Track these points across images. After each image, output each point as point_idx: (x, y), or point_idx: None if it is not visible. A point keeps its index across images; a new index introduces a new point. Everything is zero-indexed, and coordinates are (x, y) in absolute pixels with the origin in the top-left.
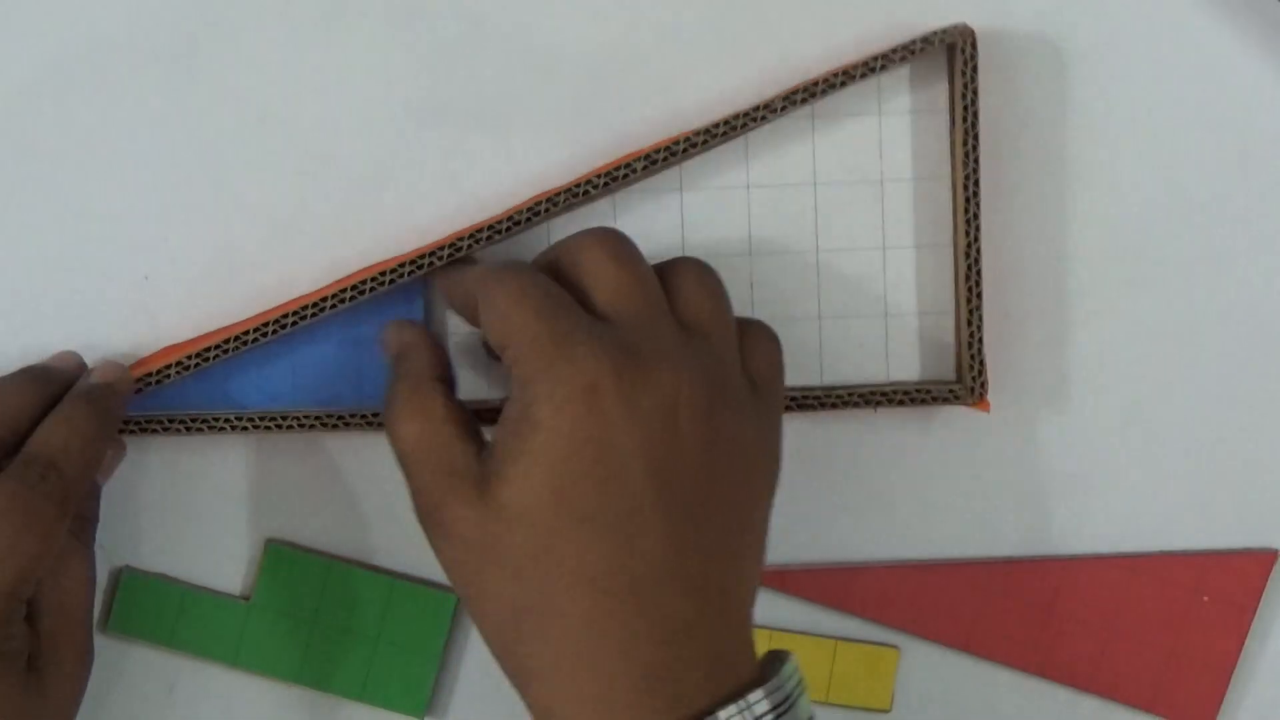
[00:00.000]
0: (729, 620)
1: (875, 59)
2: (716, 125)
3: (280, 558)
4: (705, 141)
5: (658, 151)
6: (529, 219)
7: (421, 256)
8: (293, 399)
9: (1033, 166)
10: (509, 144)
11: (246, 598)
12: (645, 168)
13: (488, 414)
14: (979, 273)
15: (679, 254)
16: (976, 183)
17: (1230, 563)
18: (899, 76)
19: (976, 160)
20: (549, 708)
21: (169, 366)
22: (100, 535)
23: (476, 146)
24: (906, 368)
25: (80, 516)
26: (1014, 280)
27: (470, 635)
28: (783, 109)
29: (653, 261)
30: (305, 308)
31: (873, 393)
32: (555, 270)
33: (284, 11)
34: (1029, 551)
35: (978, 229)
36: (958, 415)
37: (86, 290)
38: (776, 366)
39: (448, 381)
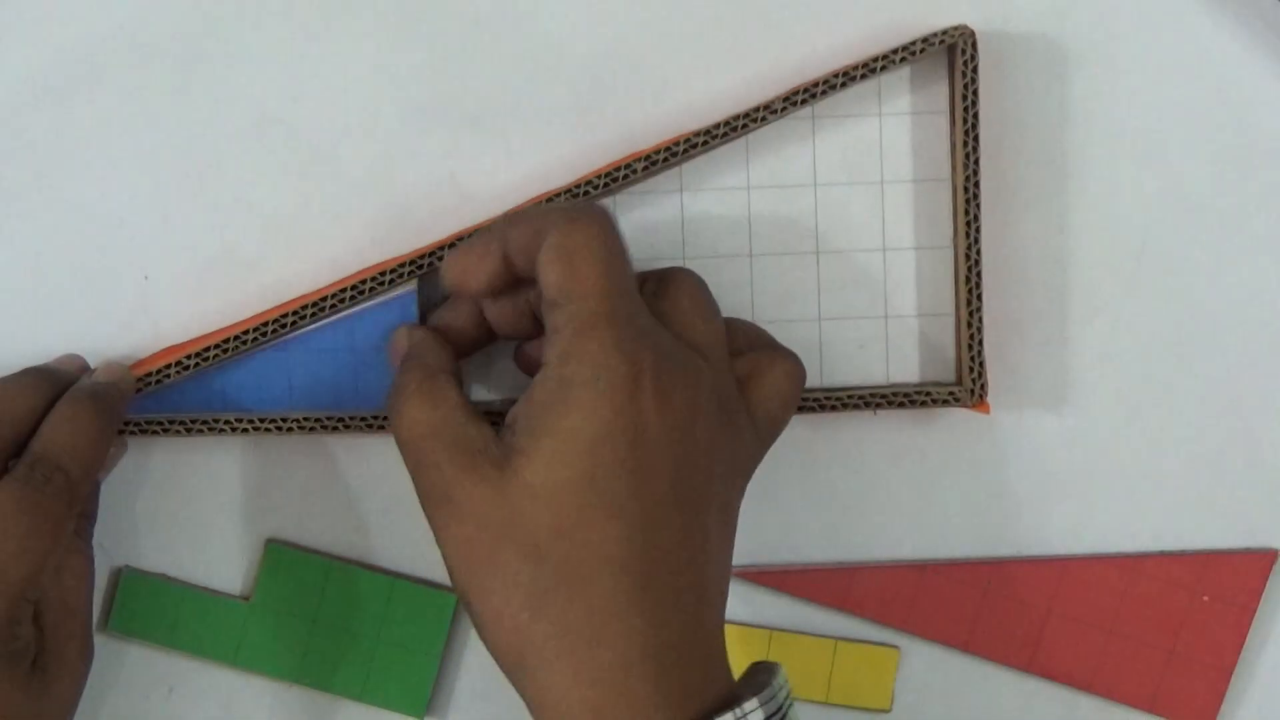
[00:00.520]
0: (717, 626)
1: (876, 60)
2: (717, 126)
3: (280, 558)
4: (706, 142)
5: (658, 152)
6: None
7: (421, 256)
8: (293, 401)
9: (1033, 168)
10: (509, 144)
11: (246, 598)
12: (646, 168)
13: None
14: (979, 274)
15: (679, 255)
16: (977, 184)
17: (1230, 563)
18: (899, 77)
19: (977, 161)
20: (554, 691)
21: (169, 367)
22: (100, 535)
23: (476, 146)
24: (906, 369)
25: (80, 513)
26: (1014, 282)
27: (470, 635)
28: (783, 110)
29: (650, 267)
30: (305, 308)
31: (873, 395)
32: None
33: (284, 11)
34: (1029, 551)
35: (978, 231)
36: (958, 416)
37: (86, 290)
38: (785, 400)
39: (459, 379)
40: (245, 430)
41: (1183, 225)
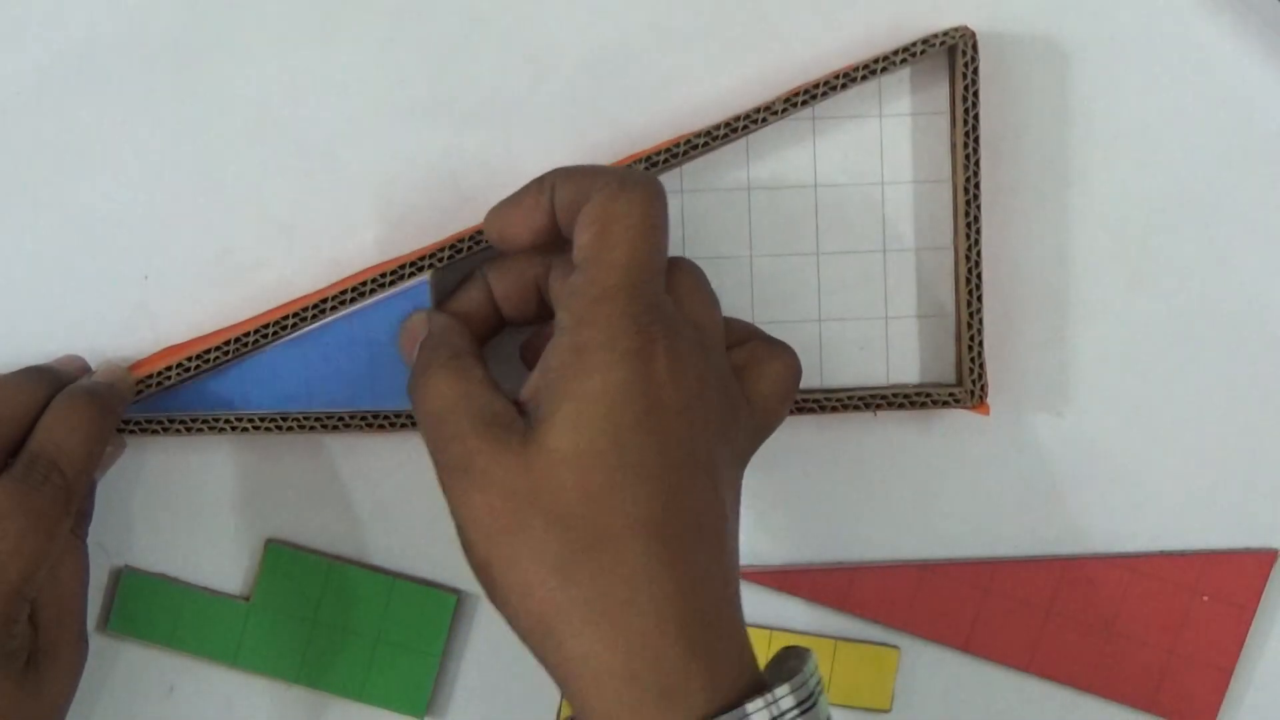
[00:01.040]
0: (738, 600)
1: (876, 61)
2: (718, 127)
3: (280, 558)
4: (706, 143)
5: (659, 153)
6: None
7: (421, 257)
8: (310, 397)
9: (1033, 169)
10: (509, 144)
11: (246, 598)
12: (647, 169)
13: None
14: (979, 276)
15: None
16: (977, 185)
17: (1230, 563)
18: (900, 79)
19: (977, 163)
20: (585, 660)
21: (169, 369)
22: (101, 535)
23: (476, 146)
24: (906, 370)
25: (78, 511)
26: (1014, 283)
27: (470, 635)
28: (784, 111)
29: None
30: (306, 308)
31: (873, 396)
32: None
33: (284, 11)
34: (1029, 551)
35: (978, 232)
36: (958, 417)
37: (86, 290)
38: (783, 393)
39: (484, 360)
40: (245, 430)
41: (1183, 226)
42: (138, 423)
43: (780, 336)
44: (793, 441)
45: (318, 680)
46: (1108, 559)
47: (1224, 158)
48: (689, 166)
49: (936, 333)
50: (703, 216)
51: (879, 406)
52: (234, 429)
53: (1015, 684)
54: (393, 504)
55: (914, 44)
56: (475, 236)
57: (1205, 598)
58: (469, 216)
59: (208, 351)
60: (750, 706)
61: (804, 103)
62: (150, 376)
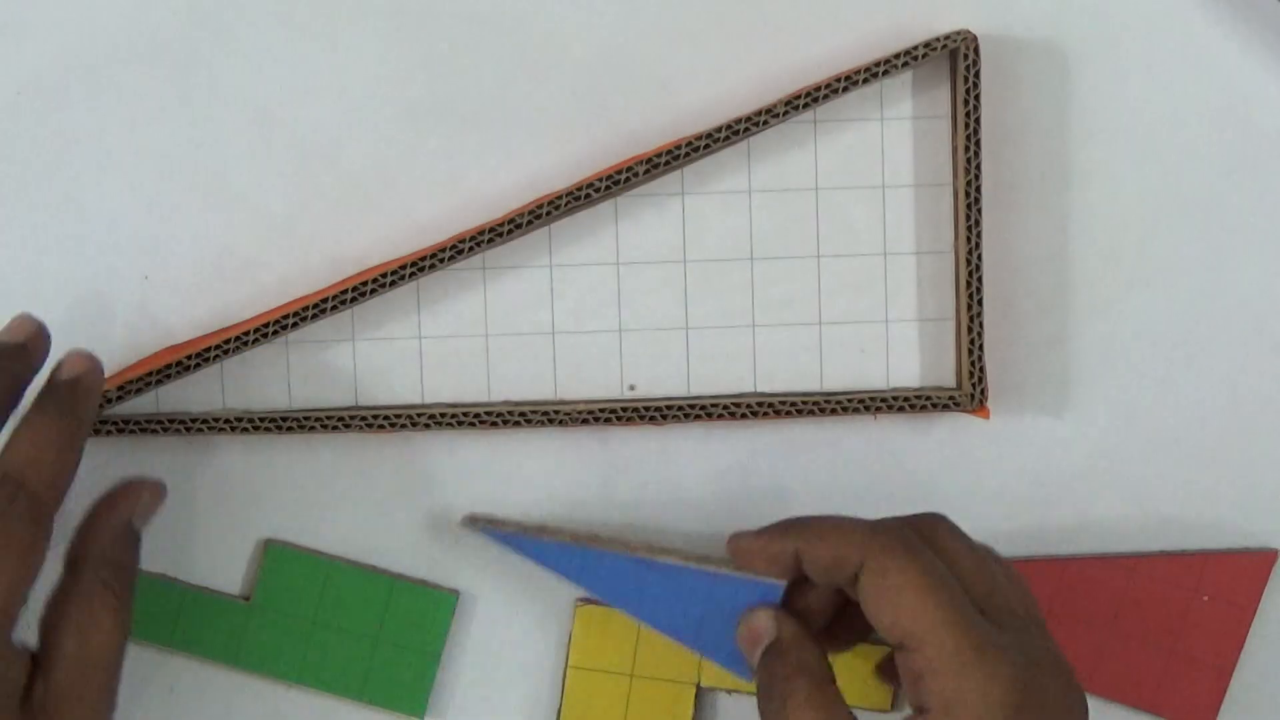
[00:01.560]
0: None
1: (878, 64)
2: (719, 129)
3: (280, 558)
4: (707, 146)
5: (660, 155)
6: (530, 221)
7: (422, 257)
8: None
9: (1034, 173)
10: (509, 144)
11: (246, 598)
12: (647, 171)
13: None
14: (980, 279)
15: (680, 258)
16: (978, 189)
17: (1230, 563)
18: (901, 82)
19: (978, 166)
20: None
21: (169, 366)
22: None
23: (476, 146)
24: (907, 374)
25: (117, 564)
26: (1015, 287)
27: (470, 635)
28: (785, 114)
29: (654, 274)
30: (305, 308)
31: (873, 399)
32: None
33: (284, 11)
34: (1029, 552)
35: (979, 235)
36: (958, 421)
37: (86, 290)
38: (1031, 601)
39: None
40: (245, 429)
41: (1183, 228)
42: (138, 422)
43: (780, 339)
44: (793, 444)
45: (317, 680)
46: (1108, 559)
47: (1224, 159)
48: (690, 169)
49: (937, 336)
50: (704, 219)
51: (879, 410)
52: (234, 429)
53: None
54: (393, 504)
55: (915, 47)
56: (475, 237)
57: (1205, 598)
58: (469, 217)
59: (207, 349)
60: None
61: (805, 106)
62: (150, 374)
